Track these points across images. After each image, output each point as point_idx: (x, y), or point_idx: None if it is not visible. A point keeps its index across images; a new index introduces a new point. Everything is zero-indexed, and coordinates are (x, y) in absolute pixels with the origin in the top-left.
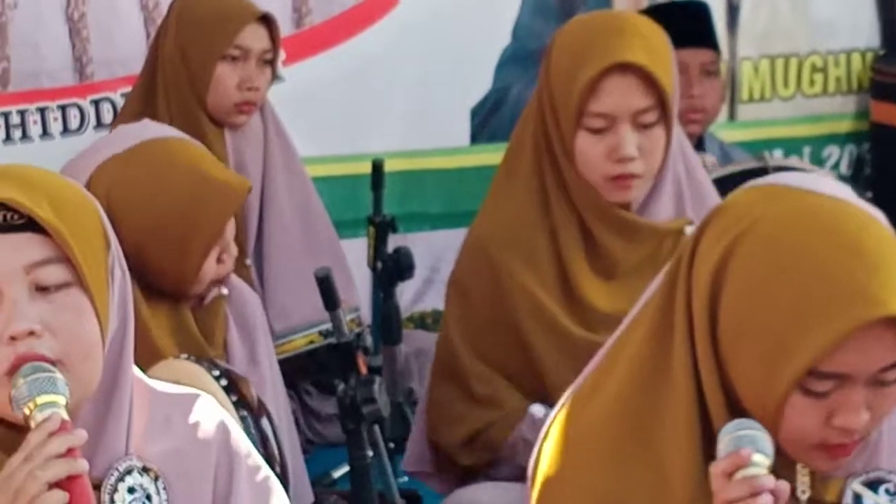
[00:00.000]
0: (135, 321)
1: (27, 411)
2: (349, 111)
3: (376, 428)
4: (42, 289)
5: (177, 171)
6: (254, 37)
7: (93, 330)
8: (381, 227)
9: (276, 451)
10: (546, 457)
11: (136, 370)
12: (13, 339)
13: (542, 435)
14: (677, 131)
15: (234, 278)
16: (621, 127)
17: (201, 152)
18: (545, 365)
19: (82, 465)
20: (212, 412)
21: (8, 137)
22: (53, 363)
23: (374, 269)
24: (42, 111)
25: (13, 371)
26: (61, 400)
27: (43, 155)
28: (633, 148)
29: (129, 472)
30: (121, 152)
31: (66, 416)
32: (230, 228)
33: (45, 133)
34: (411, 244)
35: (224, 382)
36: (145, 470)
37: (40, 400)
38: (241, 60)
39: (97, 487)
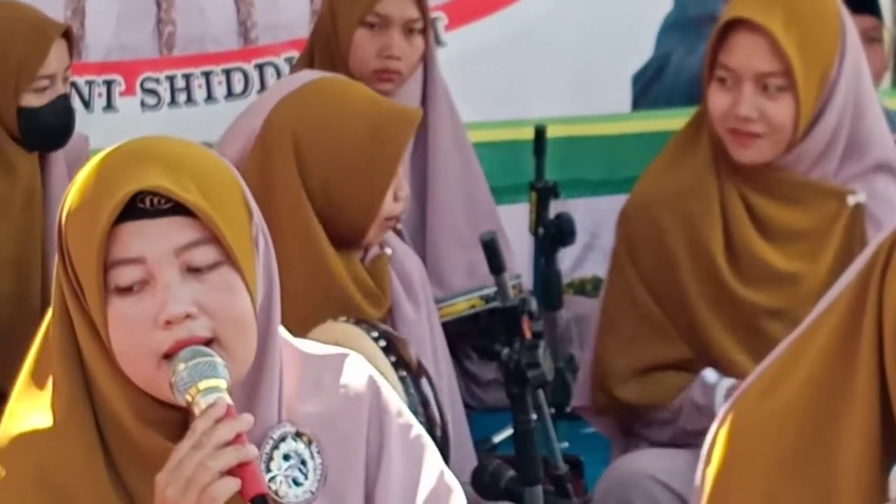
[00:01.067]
0: (327, 273)
1: (189, 398)
2: (510, 77)
3: (540, 392)
4: (193, 270)
5: (352, 100)
6: (397, 5)
7: (246, 305)
8: (543, 193)
9: (436, 414)
10: (717, 456)
11: (285, 333)
12: (169, 323)
13: (712, 430)
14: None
15: (396, 239)
16: (744, 85)
17: (365, 86)
18: (708, 325)
19: (252, 451)
20: (361, 371)
21: (173, 101)
22: (211, 341)
23: (535, 234)
24: (207, 75)
25: (170, 354)
26: (222, 384)
27: (207, 119)
28: (749, 108)
29: (283, 439)
30: (293, 91)
31: (229, 401)
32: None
33: (210, 97)
34: (571, 210)
35: (383, 344)
36: (299, 435)
37: (202, 385)
38: (381, 28)
39: None
